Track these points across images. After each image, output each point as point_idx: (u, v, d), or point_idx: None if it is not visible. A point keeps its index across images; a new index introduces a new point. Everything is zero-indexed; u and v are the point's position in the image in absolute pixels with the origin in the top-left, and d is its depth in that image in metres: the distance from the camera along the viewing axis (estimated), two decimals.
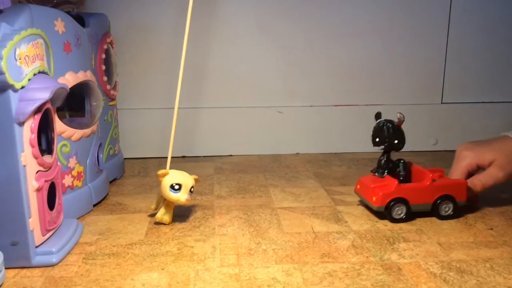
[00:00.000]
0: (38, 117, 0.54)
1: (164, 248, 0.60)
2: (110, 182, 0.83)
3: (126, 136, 0.97)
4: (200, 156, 1.01)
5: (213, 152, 1.01)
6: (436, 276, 0.53)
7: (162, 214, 0.66)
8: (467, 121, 1.03)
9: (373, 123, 1.02)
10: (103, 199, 0.76)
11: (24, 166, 0.53)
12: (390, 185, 0.66)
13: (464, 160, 0.70)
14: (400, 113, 0.68)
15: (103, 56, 0.79)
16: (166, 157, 0.99)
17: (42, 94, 0.53)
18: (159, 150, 1.00)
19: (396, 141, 0.68)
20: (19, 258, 0.54)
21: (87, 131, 0.71)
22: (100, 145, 0.77)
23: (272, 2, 0.96)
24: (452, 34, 1.00)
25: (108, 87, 0.82)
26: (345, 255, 0.58)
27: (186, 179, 0.65)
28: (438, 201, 0.67)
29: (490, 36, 1.01)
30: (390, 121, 0.69)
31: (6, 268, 0.54)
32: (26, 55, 0.52)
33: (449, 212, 0.67)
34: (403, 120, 0.68)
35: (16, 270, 0.55)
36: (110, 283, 0.52)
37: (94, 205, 0.74)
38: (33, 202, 0.54)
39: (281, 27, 0.98)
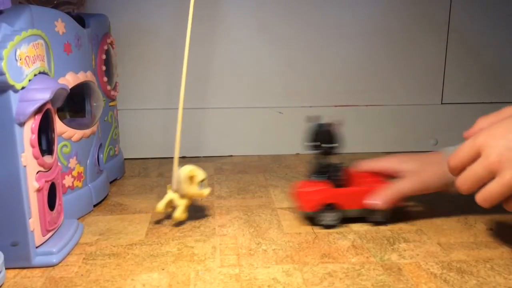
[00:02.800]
0: (38, 117, 0.54)
1: (164, 249, 0.60)
2: (110, 182, 0.83)
3: (126, 136, 0.97)
4: (200, 157, 1.01)
5: (213, 152, 1.01)
6: (436, 276, 0.53)
7: (182, 213, 0.66)
8: (467, 121, 1.03)
9: (373, 123, 1.03)
10: (103, 200, 0.76)
11: (25, 166, 0.53)
12: (323, 190, 0.65)
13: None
14: (336, 117, 0.66)
15: (104, 56, 0.79)
16: (167, 158, 1.00)
17: (42, 95, 0.53)
18: (159, 150, 1.00)
19: (332, 145, 0.65)
20: (19, 259, 0.55)
21: (87, 131, 0.71)
22: (101, 145, 0.77)
23: (272, 3, 0.96)
24: (452, 34, 1.00)
25: (109, 87, 0.82)
26: (345, 255, 0.58)
27: (204, 172, 0.66)
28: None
29: (490, 36, 1.01)
30: (328, 124, 0.66)
31: (6, 269, 0.54)
32: (27, 56, 0.52)
33: (380, 219, 0.66)
34: (340, 124, 0.66)
35: (17, 271, 0.55)
36: (110, 283, 0.52)
37: (94, 206, 0.74)
38: (34, 202, 0.54)
39: (281, 28, 0.98)
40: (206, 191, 0.66)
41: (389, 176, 0.68)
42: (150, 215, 0.71)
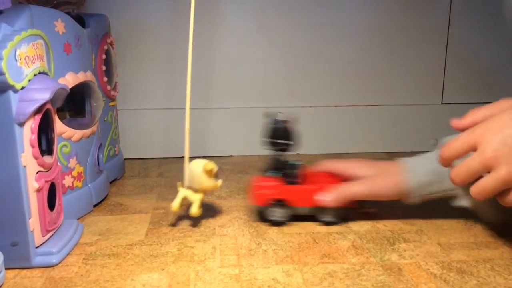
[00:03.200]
0: (38, 117, 0.54)
1: (164, 249, 0.60)
2: (110, 182, 0.83)
3: (126, 136, 0.97)
4: (200, 157, 1.00)
5: (213, 152, 1.01)
6: (436, 276, 0.53)
7: (199, 208, 0.66)
8: None
9: (373, 123, 1.03)
10: (103, 200, 0.76)
11: (24, 166, 0.53)
12: (273, 186, 0.65)
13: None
14: (291, 114, 0.65)
15: (103, 56, 0.79)
16: (167, 158, 1.00)
17: (42, 95, 0.53)
18: (159, 150, 1.00)
19: (288, 142, 0.65)
20: (19, 259, 0.54)
21: (87, 131, 0.71)
22: (100, 145, 0.77)
23: (272, 4, 0.96)
24: (452, 34, 1.00)
25: (108, 87, 0.82)
26: (345, 255, 0.58)
27: (215, 164, 0.66)
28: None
29: (490, 36, 1.01)
30: (284, 121, 0.65)
31: (6, 269, 0.54)
32: (27, 56, 0.52)
33: (329, 218, 0.66)
34: (294, 121, 0.65)
35: (16, 271, 0.55)
36: (110, 283, 0.52)
37: (94, 206, 0.74)
38: (33, 202, 0.54)
39: (281, 27, 0.98)
40: (219, 182, 0.67)
41: (344, 179, 0.68)
42: (150, 215, 0.71)
